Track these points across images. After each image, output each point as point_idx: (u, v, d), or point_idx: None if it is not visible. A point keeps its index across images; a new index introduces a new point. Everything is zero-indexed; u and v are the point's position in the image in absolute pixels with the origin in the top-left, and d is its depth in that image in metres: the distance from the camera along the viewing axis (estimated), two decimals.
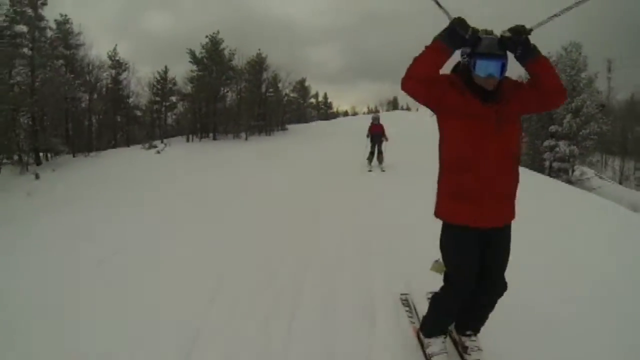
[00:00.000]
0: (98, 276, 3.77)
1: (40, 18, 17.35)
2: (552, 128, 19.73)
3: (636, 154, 32.77)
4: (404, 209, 5.31)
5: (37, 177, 13.33)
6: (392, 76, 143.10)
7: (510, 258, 1.92)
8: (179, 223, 5.52)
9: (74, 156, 17.92)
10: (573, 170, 19.89)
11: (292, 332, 2.46)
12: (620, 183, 28.90)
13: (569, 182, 16.32)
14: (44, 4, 17.42)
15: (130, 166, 13.60)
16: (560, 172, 19.39)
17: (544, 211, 5.39)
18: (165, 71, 27.81)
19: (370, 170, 9.55)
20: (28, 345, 2.67)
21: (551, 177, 15.03)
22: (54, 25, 19.50)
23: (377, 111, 63.50)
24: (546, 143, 19.86)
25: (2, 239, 6.03)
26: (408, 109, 70.97)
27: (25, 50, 16.28)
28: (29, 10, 16.69)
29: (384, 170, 9.48)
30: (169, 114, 28.50)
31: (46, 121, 16.70)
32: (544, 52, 1.77)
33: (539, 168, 18.20)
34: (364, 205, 5.98)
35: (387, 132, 10.20)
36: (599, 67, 25.78)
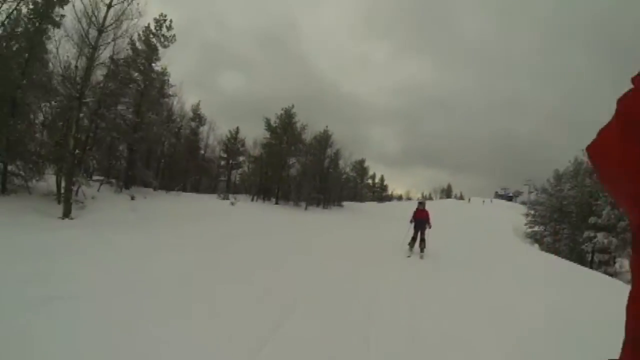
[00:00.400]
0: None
1: (152, 70, 19.95)
2: (592, 219, 19.85)
3: None
4: (443, 309, 5.10)
5: (132, 198, 15.03)
6: (446, 164, 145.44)
7: None
8: (251, 269, 6.32)
9: (154, 189, 19.05)
10: (614, 262, 19.42)
11: None
12: None
13: (609, 274, 15.15)
14: (157, 59, 20.16)
15: (213, 210, 15.76)
16: (602, 264, 19.20)
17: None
18: (237, 132, 29.70)
19: (409, 256, 9.30)
20: None
21: (593, 269, 14.91)
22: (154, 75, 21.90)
23: (426, 197, 62.81)
24: (585, 234, 20.02)
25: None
26: (461, 198, 69.22)
27: (134, 90, 18.29)
28: (144, 62, 19.43)
29: (422, 258, 9.15)
30: (233, 171, 29.70)
31: (138, 155, 18.28)
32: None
33: (577, 259, 18.21)
34: (398, 292, 5.89)
35: (431, 219, 9.91)
36: None
